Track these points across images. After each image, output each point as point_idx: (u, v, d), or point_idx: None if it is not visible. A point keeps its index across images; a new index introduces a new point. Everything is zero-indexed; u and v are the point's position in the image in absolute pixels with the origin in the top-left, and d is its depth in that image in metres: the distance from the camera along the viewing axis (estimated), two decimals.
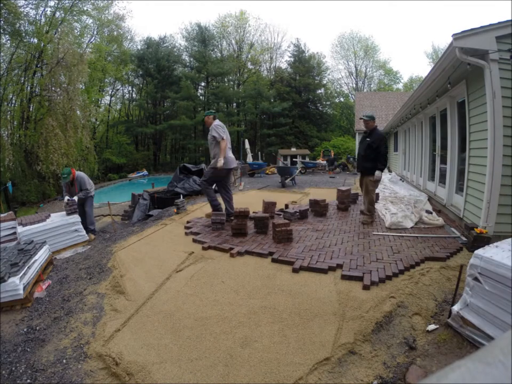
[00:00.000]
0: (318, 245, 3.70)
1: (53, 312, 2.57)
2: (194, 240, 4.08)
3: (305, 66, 30.81)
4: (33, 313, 2.59)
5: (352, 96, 34.13)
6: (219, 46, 33.15)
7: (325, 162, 17.29)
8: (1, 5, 13.47)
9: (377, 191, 7.22)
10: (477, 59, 3.54)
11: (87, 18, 21.36)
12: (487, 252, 1.95)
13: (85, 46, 22.42)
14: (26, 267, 2.88)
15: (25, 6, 15.48)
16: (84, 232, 4.90)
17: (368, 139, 4.58)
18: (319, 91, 33.16)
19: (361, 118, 4.76)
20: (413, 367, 1.76)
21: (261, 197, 6.99)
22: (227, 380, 1.75)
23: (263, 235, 4.16)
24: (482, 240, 3.38)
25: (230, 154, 4.71)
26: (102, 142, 26.75)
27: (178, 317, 2.40)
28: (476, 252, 2.00)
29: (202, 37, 29.68)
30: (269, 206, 4.93)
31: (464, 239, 3.80)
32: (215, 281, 2.90)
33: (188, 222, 5.02)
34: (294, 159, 19.85)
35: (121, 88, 31.14)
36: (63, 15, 17.60)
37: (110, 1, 22.88)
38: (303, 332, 2.13)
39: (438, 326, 2.13)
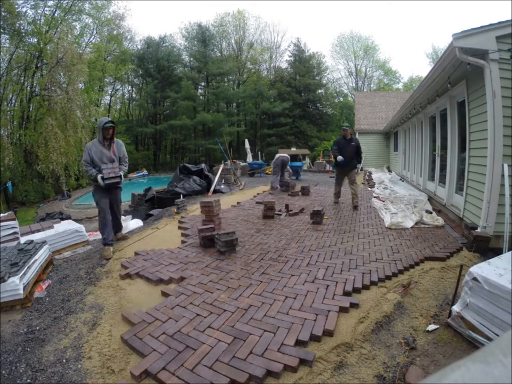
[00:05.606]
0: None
1: (53, 312, 2.57)
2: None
3: (305, 66, 30.74)
4: (33, 313, 2.58)
5: (352, 96, 34.06)
6: (219, 45, 33.09)
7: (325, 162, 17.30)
8: (0, 4, 13.44)
9: (377, 191, 7.85)
10: (477, 59, 3.54)
11: (86, 17, 21.36)
12: (484, 269, 1.95)
13: (84, 45, 22.39)
14: (26, 267, 2.88)
15: (23, 5, 15.46)
16: (84, 231, 4.38)
17: (353, 143, 5.93)
18: (319, 91, 33.09)
19: (343, 127, 6.02)
20: (413, 367, 1.76)
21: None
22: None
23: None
24: (482, 240, 3.39)
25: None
26: None
27: None
28: (470, 269, 1.99)
29: (202, 37, 29.59)
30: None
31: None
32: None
33: (183, 223, 5.02)
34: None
35: (121, 88, 31.12)
36: (62, 14, 17.55)
37: (108, 1, 22.85)
38: None
39: (438, 326, 2.13)
